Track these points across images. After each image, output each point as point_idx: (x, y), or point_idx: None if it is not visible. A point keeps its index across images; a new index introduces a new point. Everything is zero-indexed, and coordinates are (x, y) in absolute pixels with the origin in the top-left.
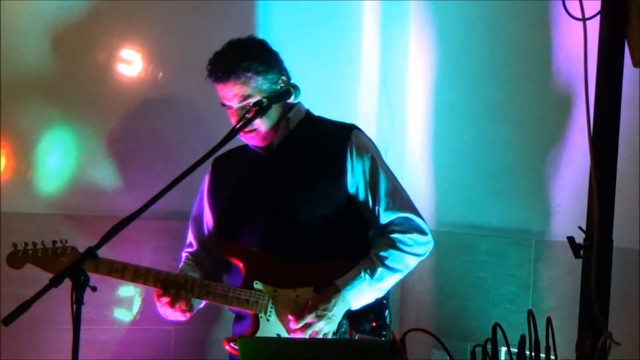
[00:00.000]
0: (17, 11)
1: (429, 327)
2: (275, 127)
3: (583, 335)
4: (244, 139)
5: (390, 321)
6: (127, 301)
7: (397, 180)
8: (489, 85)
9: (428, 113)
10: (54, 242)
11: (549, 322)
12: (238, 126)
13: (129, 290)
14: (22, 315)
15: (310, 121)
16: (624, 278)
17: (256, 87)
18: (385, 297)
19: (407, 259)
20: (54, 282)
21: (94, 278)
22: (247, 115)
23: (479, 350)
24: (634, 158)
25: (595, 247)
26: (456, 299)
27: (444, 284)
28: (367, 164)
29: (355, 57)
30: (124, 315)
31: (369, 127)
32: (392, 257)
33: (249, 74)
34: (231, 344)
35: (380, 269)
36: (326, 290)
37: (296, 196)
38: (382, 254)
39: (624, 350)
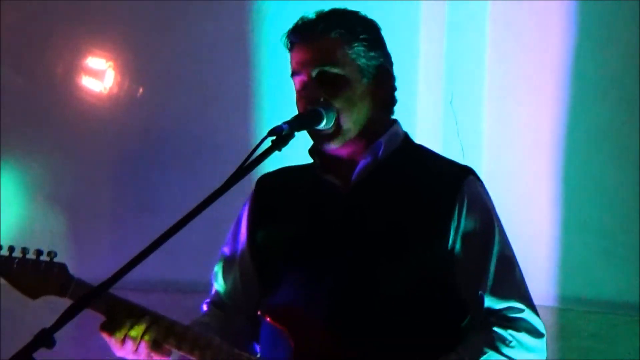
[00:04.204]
0: None
1: None
2: (362, 137)
3: None
4: (315, 139)
5: None
6: None
7: (513, 253)
8: (589, 106)
9: (511, 142)
10: (38, 253)
11: None
12: (247, 163)
13: None
14: None
15: (409, 152)
16: None
17: (350, 54)
18: None
19: None
20: None
21: None
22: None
23: None
24: None
25: None
26: None
27: None
28: (479, 225)
29: (411, 68)
30: None
31: None
32: (489, 358)
33: (349, 35)
34: None
35: None
36: None
37: (379, 259)
38: (476, 350)
39: None
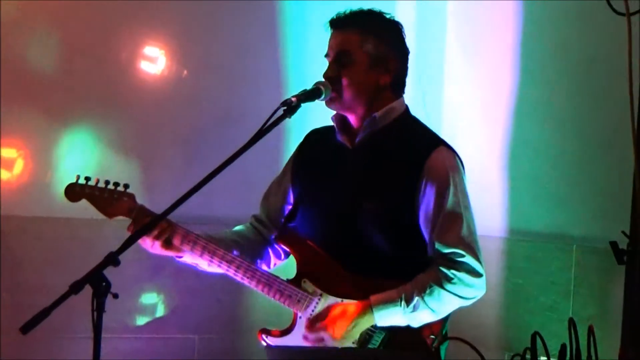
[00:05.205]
0: (27, 7)
1: (464, 336)
2: (365, 106)
3: (626, 344)
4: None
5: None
6: (150, 309)
7: (464, 211)
8: (529, 85)
9: (464, 112)
10: (116, 184)
11: (590, 330)
12: (265, 127)
13: (152, 298)
14: (41, 323)
15: (402, 124)
16: None
17: (363, 46)
18: None
19: (447, 297)
20: (74, 289)
21: (116, 284)
22: (284, 112)
23: None
24: None
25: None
26: (493, 307)
27: None
28: (436, 185)
29: None
30: (146, 324)
31: None
32: (432, 291)
33: (365, 32)
34: (263, 335)
35: (416, 300)
36: (359, 308)
37: (363, 206)
38: (424, 284)
39: None
